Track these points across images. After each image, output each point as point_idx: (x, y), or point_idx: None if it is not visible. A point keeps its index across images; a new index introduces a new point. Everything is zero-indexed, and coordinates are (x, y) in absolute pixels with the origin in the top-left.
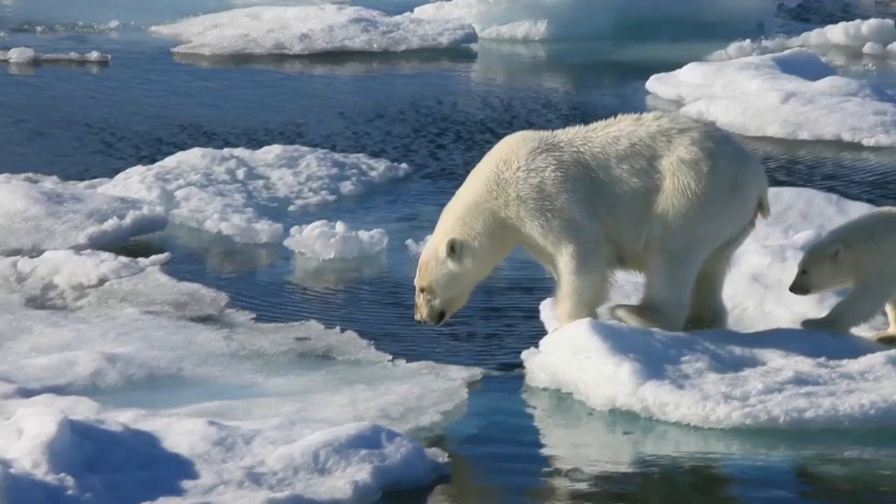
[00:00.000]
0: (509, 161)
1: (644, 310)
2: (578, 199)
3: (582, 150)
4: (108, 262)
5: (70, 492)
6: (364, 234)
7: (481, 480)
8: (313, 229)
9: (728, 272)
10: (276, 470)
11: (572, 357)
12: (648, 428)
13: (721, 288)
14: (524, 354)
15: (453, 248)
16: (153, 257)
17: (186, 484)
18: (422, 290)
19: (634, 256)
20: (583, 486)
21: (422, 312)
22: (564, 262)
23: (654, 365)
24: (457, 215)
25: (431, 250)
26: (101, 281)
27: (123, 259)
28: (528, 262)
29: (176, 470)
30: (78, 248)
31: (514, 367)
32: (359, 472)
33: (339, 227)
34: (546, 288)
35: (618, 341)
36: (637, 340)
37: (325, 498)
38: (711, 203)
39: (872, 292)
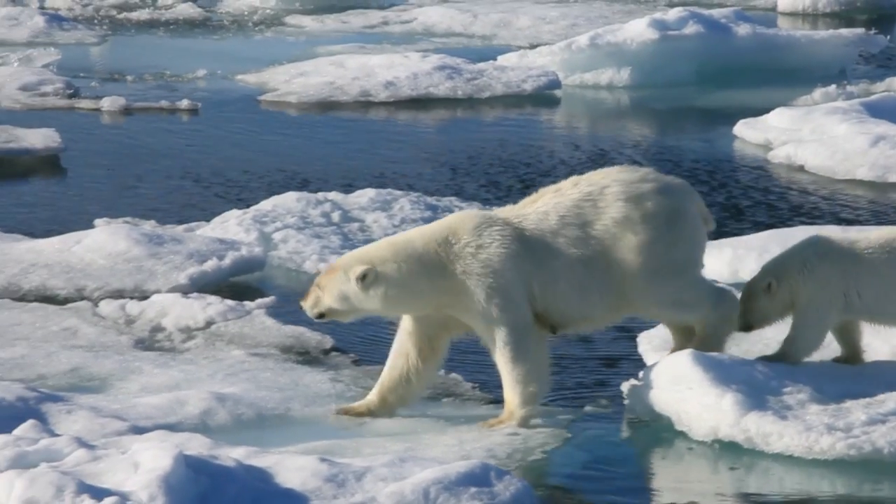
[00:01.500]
0: (457, 234)
1: (704, 345)
2: (519, 280)
3: (518, 227)
4: (215, 304)
5: None
6: None
7: None
8: None
9: None
10: None
11: (673, 388)
12: (752, 463)
13: None
14: (625, 387)
15: (365, 277)
16: (258, 300)
17: None
18: (317, 286)
19: (585, 322)
20: None
21: (307, 301)
22: (500, 349)
23: (757, 396)
24: (394, 251)
25: (347, 260)
26: (208, 323)
27: (230, 302)
28: None
29: None
30: (179, 289)
31: (616, 401)
32: None
33: None
34: (644, 324)
35: (719, 372)
36: (738, 371)
37: None
38: (662, 243)
39: (812, 322)
